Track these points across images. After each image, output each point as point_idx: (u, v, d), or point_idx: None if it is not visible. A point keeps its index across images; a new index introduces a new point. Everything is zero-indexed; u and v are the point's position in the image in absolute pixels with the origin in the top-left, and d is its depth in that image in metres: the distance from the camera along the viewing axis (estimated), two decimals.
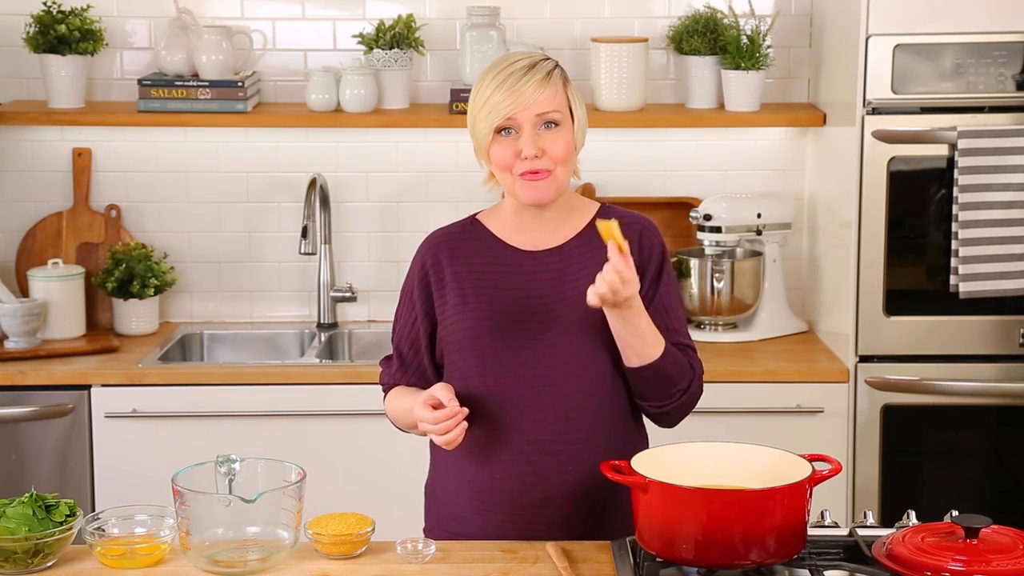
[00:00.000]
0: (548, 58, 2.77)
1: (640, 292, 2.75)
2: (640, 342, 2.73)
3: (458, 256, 2.83)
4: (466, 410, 2.70)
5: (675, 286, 2.87)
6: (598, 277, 2.62)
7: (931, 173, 4.02)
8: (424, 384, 2.86)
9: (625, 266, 2.61)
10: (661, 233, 2.88)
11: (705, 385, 2.87)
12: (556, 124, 2.73)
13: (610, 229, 2.61)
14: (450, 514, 2.87)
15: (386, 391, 2.95)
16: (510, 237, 2.83)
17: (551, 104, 2.72)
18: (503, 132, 2.73)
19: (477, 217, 2.89)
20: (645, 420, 2.90)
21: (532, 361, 2.76)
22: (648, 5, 4.53)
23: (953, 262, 3.97)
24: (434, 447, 2.91)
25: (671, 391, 2.79)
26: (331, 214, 4.53)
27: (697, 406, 2.87)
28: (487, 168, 2.82)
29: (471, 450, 2.78)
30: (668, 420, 2.86)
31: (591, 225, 2.82)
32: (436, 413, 2.70)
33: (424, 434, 2.78)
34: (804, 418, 4.07)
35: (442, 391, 2.72)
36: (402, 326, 2.89)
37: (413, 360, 2.88)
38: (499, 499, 2.79)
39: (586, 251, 2.80)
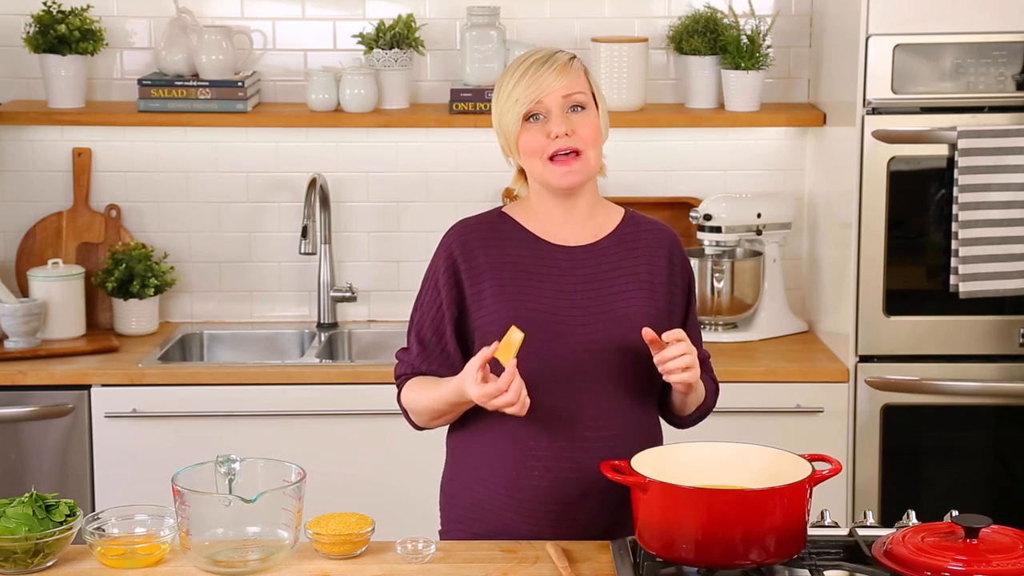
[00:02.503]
0: (565, 51, 2.80)
1: (677, 307, 2.86)
2: (700, 395, 2.84)
3: (491, 246, 2.81)
4: (515, 372, 2.63)
5: None
6: (676, 370, 2.67)
7: (931, 173, 4.02)
8: (448, 370, 2.82)
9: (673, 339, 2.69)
10: None
11: None
12: (583, 107, 2.75)
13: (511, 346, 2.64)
14: (473, 515, 2.83)
15: (402, 383, 2.88)
16: (540, 231, 2.83)
17: (575, 87, 2.75)
18: (532, 119, 2.75)
19: (503, 210, 2.88)
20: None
21: (573, 356, 2.75)
22: (648, 5, 4.53)
23: (953, 262, 3.97)
24: (452, 446, 2.89)
25: (706, 411, 2.92)
26: (331, 214, 4.53)
27: None
28: (515, 165, 2.83)
29: (505, 448, 2.76)
30: (692, 426, 2.96)
31: (622, 225, 2.86)
32: (496, 384, 2.62)
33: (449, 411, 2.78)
34: (804, 418, 4.07)
35: (473, 361, 2.65)
36: (424, 312, 2.85)
37: (436, 345, 2.83)
38: (536, 497, 2.76)
39: (619, 251, 2.82)
